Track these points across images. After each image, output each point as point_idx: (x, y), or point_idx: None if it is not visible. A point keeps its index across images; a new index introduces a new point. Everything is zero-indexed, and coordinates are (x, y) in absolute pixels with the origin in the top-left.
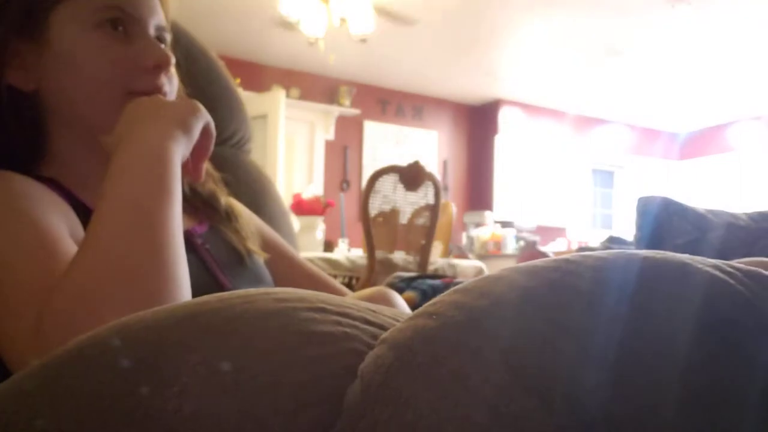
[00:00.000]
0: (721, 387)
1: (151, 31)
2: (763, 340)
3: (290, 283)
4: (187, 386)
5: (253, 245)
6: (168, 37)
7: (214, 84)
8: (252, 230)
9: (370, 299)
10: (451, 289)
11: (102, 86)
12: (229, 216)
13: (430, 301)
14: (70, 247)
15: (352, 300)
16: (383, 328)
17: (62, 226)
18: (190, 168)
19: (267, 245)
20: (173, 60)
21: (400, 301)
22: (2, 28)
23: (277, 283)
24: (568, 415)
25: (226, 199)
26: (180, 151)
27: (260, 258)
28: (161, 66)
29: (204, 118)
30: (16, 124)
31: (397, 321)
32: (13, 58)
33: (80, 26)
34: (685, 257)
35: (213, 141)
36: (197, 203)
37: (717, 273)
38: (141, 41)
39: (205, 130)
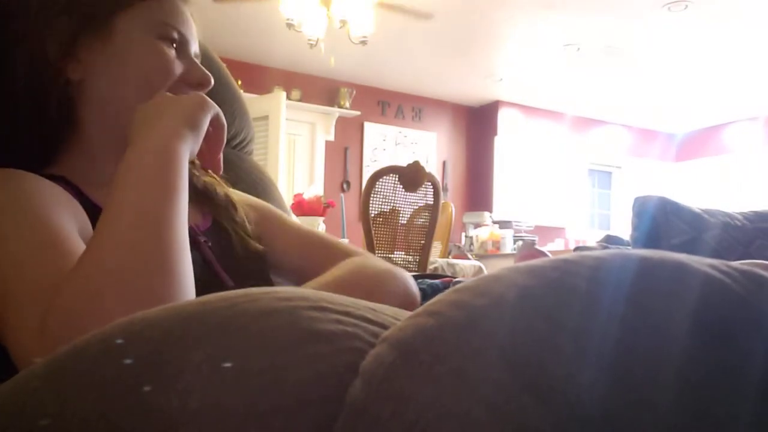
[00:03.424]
0: (716, 384)
1: (192, 54)
2: (759, 338)
3: (297, 253)
4: (190, 383)
5: (255, 240)
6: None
7: (216, 85)
8: (250, 219)
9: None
10: (451, 288)
11: (149, 85)
12: (228, 209)
13: (431, 300)
14: (79, 246)
15: (352, 299)
16: (384, 326)
17: (71, 224)
18: (207, 161)
19: (266, 221)
20: (212, 82)
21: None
22: (73, 24)
23: (277, 248)
24: (566, 413)
25: (224, 191)
26: (187, 148)
27: (261, 253)
28: (203, 84)
29: (212, 110)
30: (53, 110)
31: (398, 320)
32: (70, 46)
33: (144, 31)
34: (682, 256)
35: (225, 131)
36: (199, 198)
37: (713, 272)
38: (188, 60)
39: (216, 121)
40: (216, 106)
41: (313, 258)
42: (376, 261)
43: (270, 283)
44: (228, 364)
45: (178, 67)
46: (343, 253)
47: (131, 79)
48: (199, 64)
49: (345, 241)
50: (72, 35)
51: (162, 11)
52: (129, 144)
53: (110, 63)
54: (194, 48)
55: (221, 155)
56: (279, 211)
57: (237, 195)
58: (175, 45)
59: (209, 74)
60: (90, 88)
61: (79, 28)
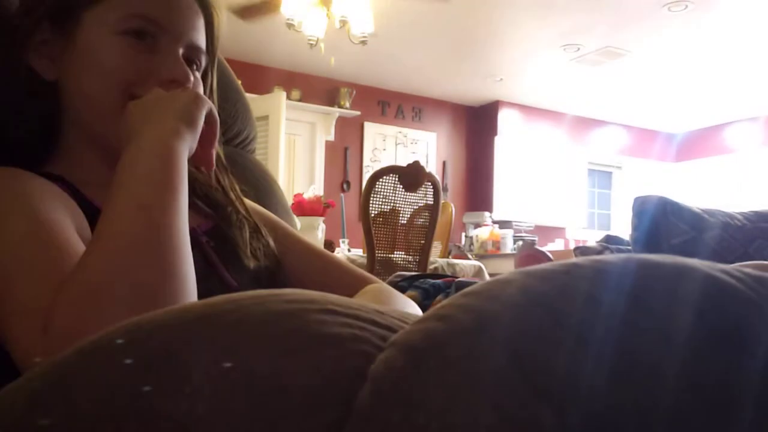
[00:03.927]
0: (726, 388)
1: (181, 49)
2: None
3: (303, 269)
4: (198, 387)
5: (256, 243)
6: (203, 59)
7: (218, 82)
8: (261, 225)
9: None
10: (460, 292)
11: (111, 88)
12: (227, 210)
13: (439, 304)
14: (78, 246)
15: (360, 302)
16: (392, 329)
17: (70, 224)
18: (199, 157)
19: (282, 237)
20: (191, 80)
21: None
22: (37, 13)
23: (293, 269)
24: (579, 419)
25: (228, 199)
26: (186, 146)
27: (262, 256)
28: (176, 82)
29: (206, 105)
30: (34, 111)
31: (406, 323)
32: (42, 46)
33: (108, 29)
34: (695, 262)
35: (218, 126)
36: (200, 200)
37: (727, 278)
38: (165, 54)
39: (209, 117)
40: (209, 101)
41: (327, 280)
42: (392, 288)
43: (277, 284)
44: (236, 368)
45: (146, 63)
46: (361, 279)
47: (93, 77)
48: (178, 59)
49: (346, 241)
50: (40, 34)
51: (134, 3)
52: (126, 143)
53: (76, 62)
54: (186, 40)
55: (213, 151)
56: (293, 229)
57: (252, 208)
58: (148, 38)
59: (185, 70)
60: (64, 88)
61: (45, 27)
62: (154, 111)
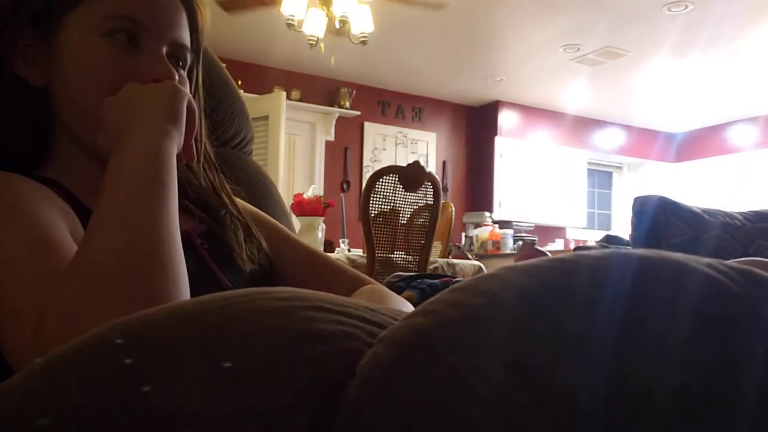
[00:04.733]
0: (714, 383)
1: (164, 47)
2: (756, 337)
3: (298, 269)
4: (188, 384)
5: (250, 245)
6: (188, 56)
7: (214, 84)
8: (252, 225)
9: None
10: (448, 288)
11: (97, 91)
12: (219, 212)
13: (428, 300)
14: (71, 247)
15: (351, 299)
16: (381, 326)
17: (63, 227)
18: (181, 151)
19: (275, 236)
20: (175, 78)
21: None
22: (19, 18)
23: (287, 269)
24: (564, 413)
25: (220, 200)
26: (175, 144)
27: (256, 259)
28: (160, 81)
29: (185, 97)
30: (24, 118)
31: (395, 320)
32: (27, 52)
33: (88, 31)
34: (679, 256)
35: (196, 115)
36: (192, 206)
37: (711, 271)
38: (148, 54)
39: (188, 108)
40: (187, 92)
41: (321, 280)
42: (387, 289)
43: (272, 285)
44: (226, 365)
45: (129, 63)
46: (356, 280)
47: (78, 82)
48: (161, 58)
49: (346, 241)
50: (24, 40)
51: (114, 3)
52: (112, 143)
53: (61, 67)
54: (169, 38)
55: (193, 143)
56: (288, 230)
57: (244, 207)
58: (130, 38)
59: (169, 69)
60: (51, 93)
61: (28, 32)
62: (137, 108)
